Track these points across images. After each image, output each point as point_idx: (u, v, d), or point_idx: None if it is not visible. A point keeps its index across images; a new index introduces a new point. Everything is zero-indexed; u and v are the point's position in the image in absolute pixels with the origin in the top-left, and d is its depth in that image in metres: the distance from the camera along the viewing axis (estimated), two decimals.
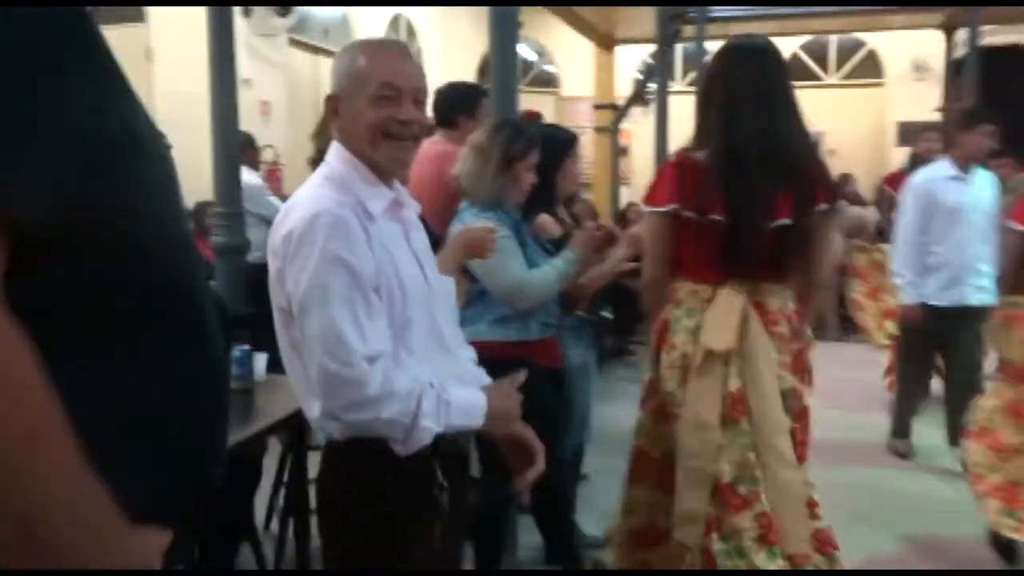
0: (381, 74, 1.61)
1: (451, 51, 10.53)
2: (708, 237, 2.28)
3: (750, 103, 2.22)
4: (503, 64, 2.98)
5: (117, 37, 7.20)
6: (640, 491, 2.49)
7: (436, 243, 2.37)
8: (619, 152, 9.77)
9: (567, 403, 3.04)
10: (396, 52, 1.67)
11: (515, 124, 2.81)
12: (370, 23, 8.92)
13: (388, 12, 9.34)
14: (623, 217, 8.15)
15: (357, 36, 8.68)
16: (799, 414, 2.33)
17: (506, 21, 2.98)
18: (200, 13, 3.95)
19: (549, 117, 11.97)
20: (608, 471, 3.37)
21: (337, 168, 1.65)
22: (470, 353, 1.85)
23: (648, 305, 2.48)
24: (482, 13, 6.75)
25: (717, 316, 2.25)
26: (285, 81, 7.45)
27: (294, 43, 7.65)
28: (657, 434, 2.43)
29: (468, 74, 9.58)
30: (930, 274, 4.27)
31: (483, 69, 10.15)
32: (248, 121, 6.83)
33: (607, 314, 3.47)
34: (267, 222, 4.97)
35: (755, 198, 2.23)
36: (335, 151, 1.68)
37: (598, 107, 10.34)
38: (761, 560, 2.15)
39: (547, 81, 12.34)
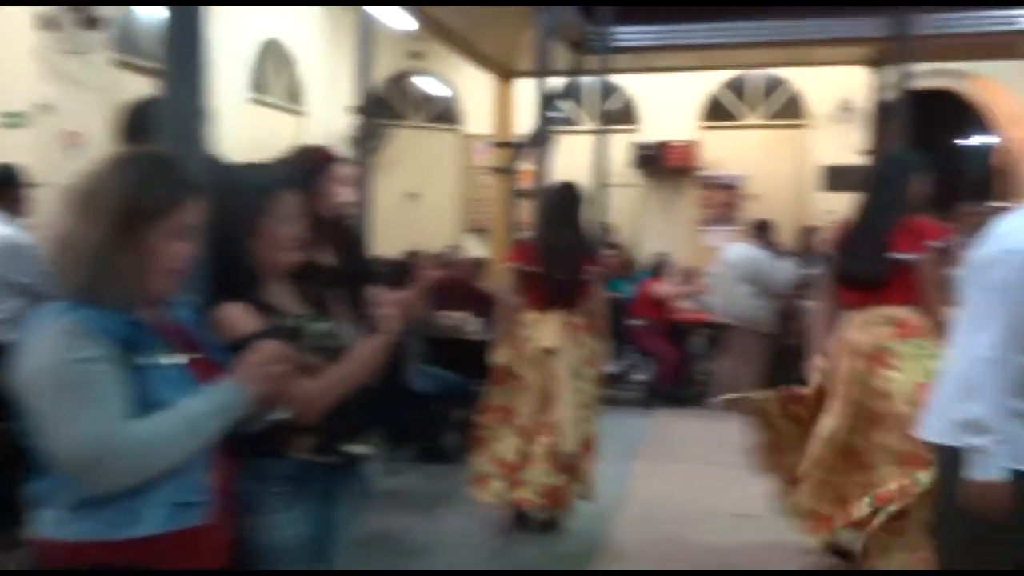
0: None
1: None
2: None
3: None
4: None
5: None
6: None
7: None
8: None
9: None
10: None
11: (160, 160, 1.66)
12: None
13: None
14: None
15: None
16: None
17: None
18: None
19: (452, 157, 10.98)
20: None
21: None
22: None
23: None
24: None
25: None
26: (104, 108, 6.19)
27: (120, 64, 6.41)
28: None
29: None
30: None
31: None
32: (47, 155, 5.59)
33: (361, 448, 2.02)
34: (31, 293, 3.70)
35: None
36: None
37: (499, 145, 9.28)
38: None
39: (450, 117, 11.32)
